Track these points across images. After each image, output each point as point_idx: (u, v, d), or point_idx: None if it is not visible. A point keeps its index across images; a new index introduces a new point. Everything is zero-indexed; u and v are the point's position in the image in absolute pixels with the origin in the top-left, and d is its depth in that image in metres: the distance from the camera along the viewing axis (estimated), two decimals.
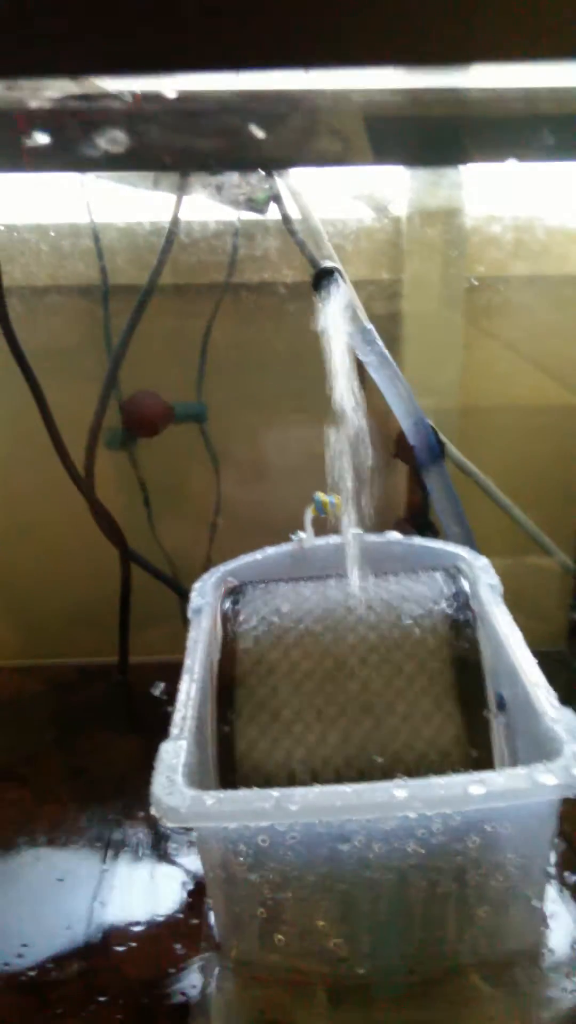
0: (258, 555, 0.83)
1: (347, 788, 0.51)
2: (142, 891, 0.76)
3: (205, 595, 0.77)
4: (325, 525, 0.83)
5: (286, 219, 0.92)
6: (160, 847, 0.81)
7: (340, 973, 0.60)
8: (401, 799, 0.50)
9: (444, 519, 0.88)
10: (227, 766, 0.58)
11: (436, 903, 0.57)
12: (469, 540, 0.87)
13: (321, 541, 0.82)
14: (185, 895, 0.74)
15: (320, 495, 0.81)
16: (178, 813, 0.52)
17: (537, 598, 0.78)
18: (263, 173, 0.90)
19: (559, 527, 1.03)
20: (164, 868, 0.79)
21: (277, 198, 0.91)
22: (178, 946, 0.68)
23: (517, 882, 0.57)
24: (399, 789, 0.51)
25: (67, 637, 1.13)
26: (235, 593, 0.68)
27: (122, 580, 0.99)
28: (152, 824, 0.83)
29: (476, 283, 1.04)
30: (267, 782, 0.58)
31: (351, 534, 0.80)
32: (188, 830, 0.76)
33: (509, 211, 1.03)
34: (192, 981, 0.65)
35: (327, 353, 0.79)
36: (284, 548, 0.83)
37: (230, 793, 0.53)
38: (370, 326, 0.84)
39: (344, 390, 0.80)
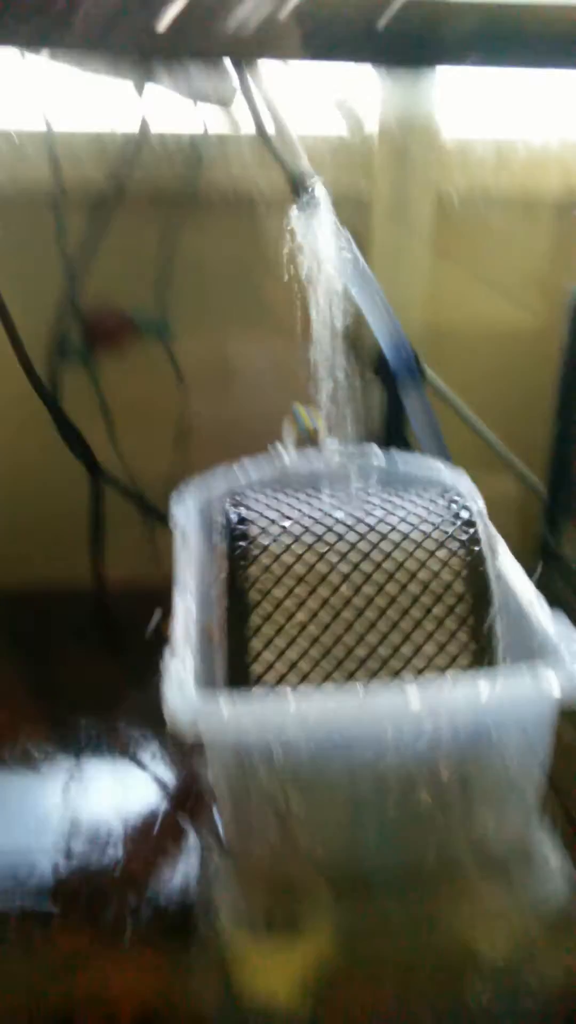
0: (237, 468, 0.82)
1: (362, 695, 0.53)
2: (131, 799, 0.77)
3: (188, 510, 0.77)
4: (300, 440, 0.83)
5: (258, 122, 0.88)
6: (148, 757, 0.82)
7: (344, 871, 0.62)
8: (415, 702, 0.52)
9: (421, 438, 0.89)
10: (240, 674, 0.59)
11: (440, 803, 0.59)
12: (443, 453, 0.88)
13: (300, 453, 0.82)
14: (176, 802, 0.76)
15: (299, 407, 0.81)
16: (194, 725, 0.52)
17: (506, 518, 0.80)
18: (229, 65, 0.86)
19: (524, 448, 1.06)
20: (151, 777, 0.80)
21: (246, 93, 0.88)
22: (175, 851, 0.70)
23: (517, 782, 0.60)
24: (413, 693, 0.52)
25: (33, 558, 1.10)
26: (234, 504, 0.67)
27: (92, 499, 0.98)
28: (136, 737, 0.84)
29: (447, 202, 1.02)
30: (279, 686, 0.59)
31: (336, 447, 0.80)
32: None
33: (485, 130, 1.01)
34: (193, 884, 0.67)
35: (307, 267, 0.77)
36: (263, 461, 0.82)
37: (246, 702, 0.54)
38: (351, 241, 0.83)
39: (324, 304, 0.79)
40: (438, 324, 1.06)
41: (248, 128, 0.92)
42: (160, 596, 1.09)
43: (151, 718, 0.86)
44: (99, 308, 1.01)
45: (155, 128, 0.95)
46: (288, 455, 0.80)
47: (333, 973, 0.61)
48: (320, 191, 0.79)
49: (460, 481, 0.74)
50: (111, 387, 1.04)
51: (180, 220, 0.99)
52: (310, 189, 0.78)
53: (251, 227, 1.00)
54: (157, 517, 1.05)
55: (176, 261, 1.01)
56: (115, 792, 0.79)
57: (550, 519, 1.04)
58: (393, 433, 0.90)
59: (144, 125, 0.92)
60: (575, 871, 0.66)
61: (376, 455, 0.78)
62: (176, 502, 0.78)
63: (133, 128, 0.94)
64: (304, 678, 0.60)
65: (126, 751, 0.83)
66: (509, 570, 0.67)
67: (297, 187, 0.83)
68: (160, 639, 0.68)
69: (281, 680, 0.60)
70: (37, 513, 1.07)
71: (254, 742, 0.55)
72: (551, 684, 0.54)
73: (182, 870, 0.68)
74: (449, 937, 0.63)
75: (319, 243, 0.78)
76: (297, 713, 0.53)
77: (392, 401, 0.90)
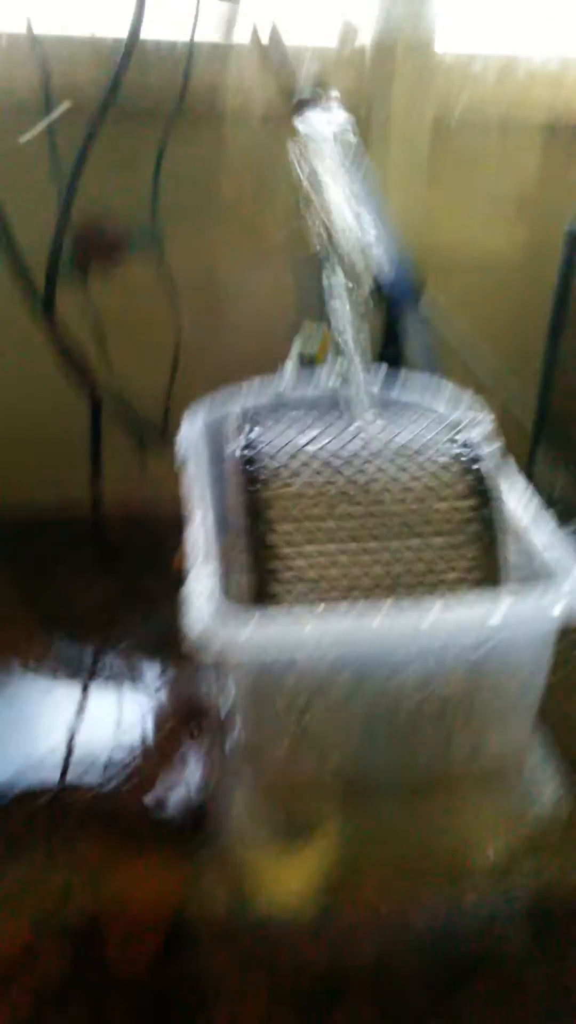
0: (244, 389, 0.82)
1: (383, 615, 0.54)
2: (139, 715, 0.79)
3: (197, 432, 0.77)
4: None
5: (256, 30, 0.85)
6: (155, 674, 0.83)
7: (354, 780, 0.65)
8: (427, 621, 0.54)
9: (418, 357, 0.89)
10: (260, 593, 0.60)
11: (446, 717, 0.62)
12: (442, 375, 0.88)
13: (307, 374, 0.82)
14: (186, 717, 0.78)
15: (307, 326, 0.80)
16: (218, 640, 0.53)
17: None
18: None
19: (515, 374, 1.06)
20: (158, 694, 0.82)
21: None
22: (188, 763, 0.72)
23: (519, 697, 0.63)
24: (426, 612, 0.54)
25: (26, 480, 1.09)
26: (248, 426, 0.67)
27: (91, 418, 0.96)
28: (142, 655, 0.86)
29: (444, 120, 1.00)
30: (299, 606, 0.60)
31: (343, 368, 0.80)
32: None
33: (486, 50, 0.98)
34: (208, 794, 0.69)
35: (310, 182, 0.76)
36: (269, 382, 0.82)
37: (269, 619, 0.55)
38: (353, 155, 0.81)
39: (328, 220, 0.77)
40: (430, 246, 1.05)
41: (246, 37, 0.88)
42: (154, 519, 1.10)
43: (154, 637, 0.88)
44: (92, 221, 0.97)
45: (150, 34, 0.90)
46: (295, 375, 0.80)
47: (344, 874, 0.64)
48: (328, 100, 0.76)
49: (468, 402, 0.74)
50: (105, 306, 1.02)
51: (175, 131, 0.95)
52: (317, 97, 0.76)
53: (249, 139, 0.97)
54: (153, 438, 1.04)
55: (170, 174, 0.98)
56: (123, 709, 0.80)
57: (536, 445, 1.05)
58: (389, 352, 0.90)
59: (137, 26, 0.88)
60: (566, 781, 0.70)
61: (384, 376, 0.78)
62: (185, 423, 0.77)
63: (125, 33, 0.89)
64: (322, 598, 0.61)
65: (134, 669, 0.85)
66: (517, 492, 0.68)
67: (301, 96, 0.80)
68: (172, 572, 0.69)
69: (300, 601, 0.61)
70: (30, 434, 1.06)
71: (276, 657, 0.56)
72: (556, 603, 0.56)
73: (196, 781, 0.71)
74: (449, 840, 0.67)
75: (323, 153, 0.76)
76: (317, 630, 0.54)
77: (390, 320, 0.89)
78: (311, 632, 0.54)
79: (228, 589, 0.61)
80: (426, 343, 0.87)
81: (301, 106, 0.77)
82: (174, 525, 1.08)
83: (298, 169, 0.77)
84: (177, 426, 1.03)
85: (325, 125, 0.74)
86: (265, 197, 0.99)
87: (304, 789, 0.66)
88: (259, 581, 0.60)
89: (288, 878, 0.65)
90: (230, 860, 0.66)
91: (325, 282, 0.73)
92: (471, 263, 1.08)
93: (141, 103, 0.93)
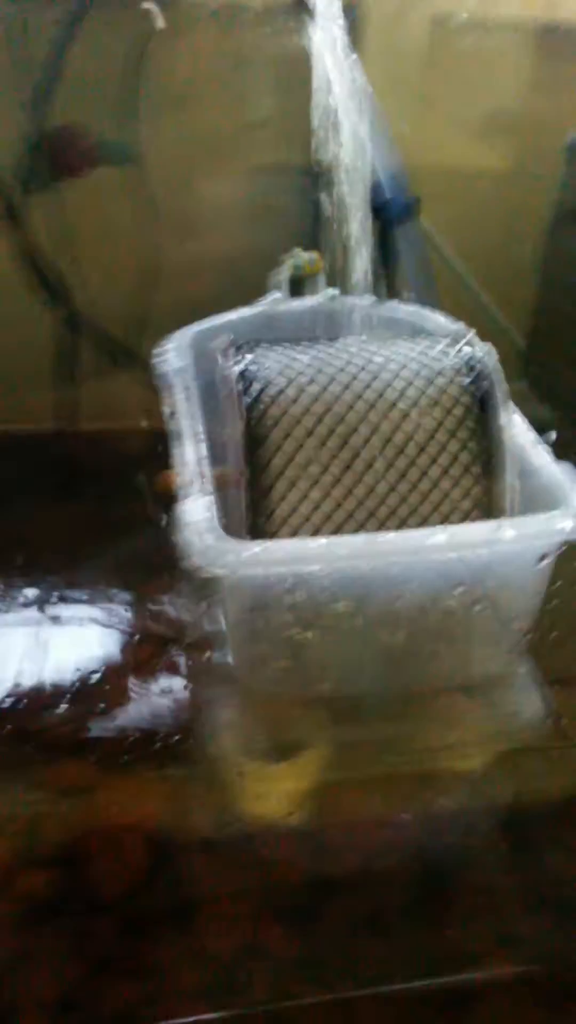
0: (232, 315, 0.79)
1: (391, 534, 0.54)
2: (114, 638, 0.79)
3: (183, 355, 0.74)
4: None
5: None
6: (133, 598, 0.83)
7: (343, 697, 0.66)
8: (441, 542, 0.54)
9: (412, 277, 0.87)
10: (259, 519, 0.59)
11: (443, 635, 0.63)
12: (435, 301, 0.87)
13: (297, 302, 0.80)
14: (170, 639, 0.78)
15: (299, 252, 0.78)
16: (225, 561, 0.53)
17: None
18: None
19: (507, 298, 1.05)
20: (141, 616, 0.81)
21: None
22: (176, 684, 0.72)
23: (515, 616, 0.63)
24: (440, 535, 0.54)
25: None
26: (239, 352, 0.65)
27: (69, 337, 0.93)
28: (119, 576, 0.85)
29: (442, 25, 0.95)
30: (295, 535, 0.60)
31: (335, 293, 0.78)
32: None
33: None
34: (197, 714, 0.70)
35: (314, 84, 0.72)
36: (258, 308, 0.80)
37: (267, 543, 0.54)
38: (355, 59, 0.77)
39: (320, 133, 0.74)
40: (424, 162, 1.02)
41: None
42: (128, 441, 1.08)
43: (131, 558, 0.87)
44: (64, 131, 0.92)
45: None
46: (286, 294, 0.78)
47: (330, 785, 0.66)
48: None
49: (465, 330, 0.73)
50: (77, 221, 0.98)
51: (154, 32, 0.89)
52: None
53: (235, 42, 0.92)
54: (127, 359, 1.01)
55: (148, 79, 0.92)
56: (105, 632, 0.80)
57: (527, 370, 1.04)
58: (383, 273, 0.87)
59: None
60: (548, 697, 0.71)
61: (377, 302, 0.77)
62: (170, 349, 0.75)
63: None
64: (318, 529, 0.60)
65: (112, 591, 0.84)
66: (516, 420, 0.67)
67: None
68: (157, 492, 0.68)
69: (297, 531, 0.60)
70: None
71: (274, 580, 0.56)
72: (564, 520, 0.56)
73: (179, 702, 0.71)
74: (434, 752, 0.69)
75: (319, 60, 0.73)
76: (316, 552, 0.54)
77: (384, 239, 0.86)
78: (309, 552, 0.54)
79: (224, 518, 0.60)
80: (421, 263, 0.85)
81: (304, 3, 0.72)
82: (145, 445, 1.07)
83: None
84: (151, 347, 1.01)
85: (332, 23, 0.70)
86: (251, 106, 0.94)
87: (293, 707, 0.67)
88: (255, 511, 0.59)
89: (274, 792, 0.66)
90: (216, 776, 0.67)
91: (324, 199, 0.71)
92: (466, 178, 1.04)
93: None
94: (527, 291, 1.04)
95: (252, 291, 0.82)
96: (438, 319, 0.79)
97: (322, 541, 0.54)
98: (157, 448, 1.05)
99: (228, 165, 0.99)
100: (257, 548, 0.53)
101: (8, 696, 0.71)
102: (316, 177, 0.95)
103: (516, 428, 0.67)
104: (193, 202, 1.00)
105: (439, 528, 0.55)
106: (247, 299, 0.81)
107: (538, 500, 0.62)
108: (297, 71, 0.77)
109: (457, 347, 0.67)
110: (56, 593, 0.83)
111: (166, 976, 0.57)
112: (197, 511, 0.57)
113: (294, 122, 0.78)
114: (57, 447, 1.03)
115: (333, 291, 0.79)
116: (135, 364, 0.99)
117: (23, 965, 0.56)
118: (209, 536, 0.54)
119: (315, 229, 1.01)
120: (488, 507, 0.62)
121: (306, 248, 0.97)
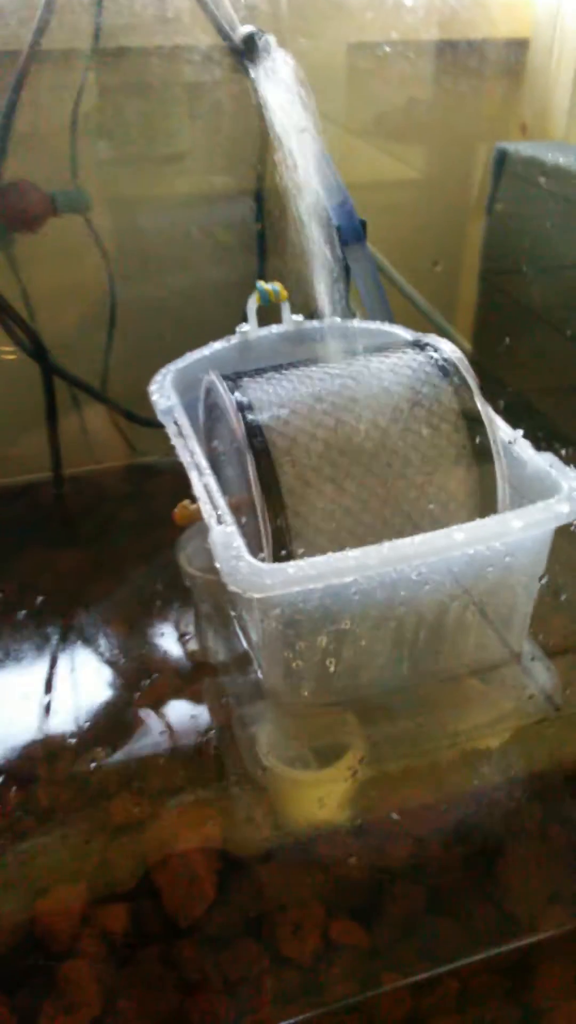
0: (205, 351, 0.82)
1: (416, 538, 0.58)
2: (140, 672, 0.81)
3: (168, 395, 0.77)
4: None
5: None
6: (147, 631, 0.85)
7: (373, 697, 0.69)
8: (460, 540, 0.58)
9: (366, 297, 0.91)
10: (279, 539, 0.62)
11: (462, 625, 0.67)
12: (389, 317, 0.92)
13: (265, 331, 0.83)
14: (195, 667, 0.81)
15: (262, 283, 0.81)
16: (261, 583, 0.56)
17: None
18: None
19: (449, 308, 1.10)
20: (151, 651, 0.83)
21: None
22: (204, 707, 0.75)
23: (521, 601, 0.68)
24: (457, 533, 0.58)
25: None
26: (235, 384, 0.68)
27: (45, 390, 0.94)
28: (126, 621, 0.87)
29: (357, 47, 1.00)
30: (315, 549, 0.63)
31: (300, 319, 0.82)
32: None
33: None
34: (233, 733, 0.72)
35: (268, 122, 0.76)
36: (232, 341, 0.83)
37: (305, 561, 0.58)
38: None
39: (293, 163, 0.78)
40: (351, 179, 1.06)
41: None
42: (102, 483, 1.10)
43: (142, 593, 0.89)
44: (15, 187, 0.94)
45: None
46: (252, 333, 0.81)
47: (374, 783, 0.69)
48: (270, 44, 0.76)
49: (430, 338, 0.78)
50: (32, 273, 0.99)
51: (97, 78, 0.92)
52: (259, 42, 0.75)
53: (180, 86, 0.95)
54: (97, 401, 1.03)
55: (92, 126, 0.95)
56: (131, 665, 0.82)
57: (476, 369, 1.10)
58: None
59: None
60: (555, 677, 0.76)
61: (342, 324, 0.81)
62: (153, 389, 0.77)
63: None
64: (335, 540, 0.64)
65: (134, 623, 0.86)
66: (492, 415, 0.72)
67: (249, 40, 0.78)
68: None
69: (315, 544, 0.64)
70: None
71: (302, 594, 0.59)
72: (562, 504, 0.61)
73: (221, 722, 0.74)
74: (457, 737, 0.73)
75: (268, 99, 0.76)
76: (347, 566, 0.58)
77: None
78: (344, 565, 0.57)
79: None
80: (374, 283, 0.90)
81: (250, 45, 0.75)
82: (127, 482, 1.09)
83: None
84: (115, 387, 1.03)
85: (282, 65, 0.74)
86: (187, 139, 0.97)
87: (327, 713, 0.70)
88: (274, 533, 0.62)
89: (322, 796, 0.69)
90: (264, 789, 0.70)
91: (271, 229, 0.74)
92: (395, 194, 1.10)
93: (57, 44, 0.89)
94: (468, 292, 1.10)
95: (209, 325, 0.85)
96: (397, 331, 0.84)
97: (351, 554, 0.57)
98: (138, 483, 1.08)
99: (170, 199, 1.02)
100: (291, 569, 0.57)
101: (49, 739, 0.73)
102: (262, 207, 0.99)
103: (497, 421, 0.72)
104: (145, 243, 1.03)
105: (455, 528, 0.59)
106: (207, 332, 0.84)
107: (527, 489, 0.67)
108: (243, 104, 0.80)
109: (425, 352, 0.72)
110: (72, 634, 0.85)
111: (252, 987, 0.60)
112: (226, 539, 0.59)
113: (240, 152, 0.82)
114: (40, 494, 1.04)
115: (297, 317, 0.83)
116: (105, 405, 1.02)
117: (121, 998, 0.57)
118: (244, 562, 0.57)
119: (262, 258, 1.05)
120: (483, 496, 0.67)
121: (260, 276, 1.01)
